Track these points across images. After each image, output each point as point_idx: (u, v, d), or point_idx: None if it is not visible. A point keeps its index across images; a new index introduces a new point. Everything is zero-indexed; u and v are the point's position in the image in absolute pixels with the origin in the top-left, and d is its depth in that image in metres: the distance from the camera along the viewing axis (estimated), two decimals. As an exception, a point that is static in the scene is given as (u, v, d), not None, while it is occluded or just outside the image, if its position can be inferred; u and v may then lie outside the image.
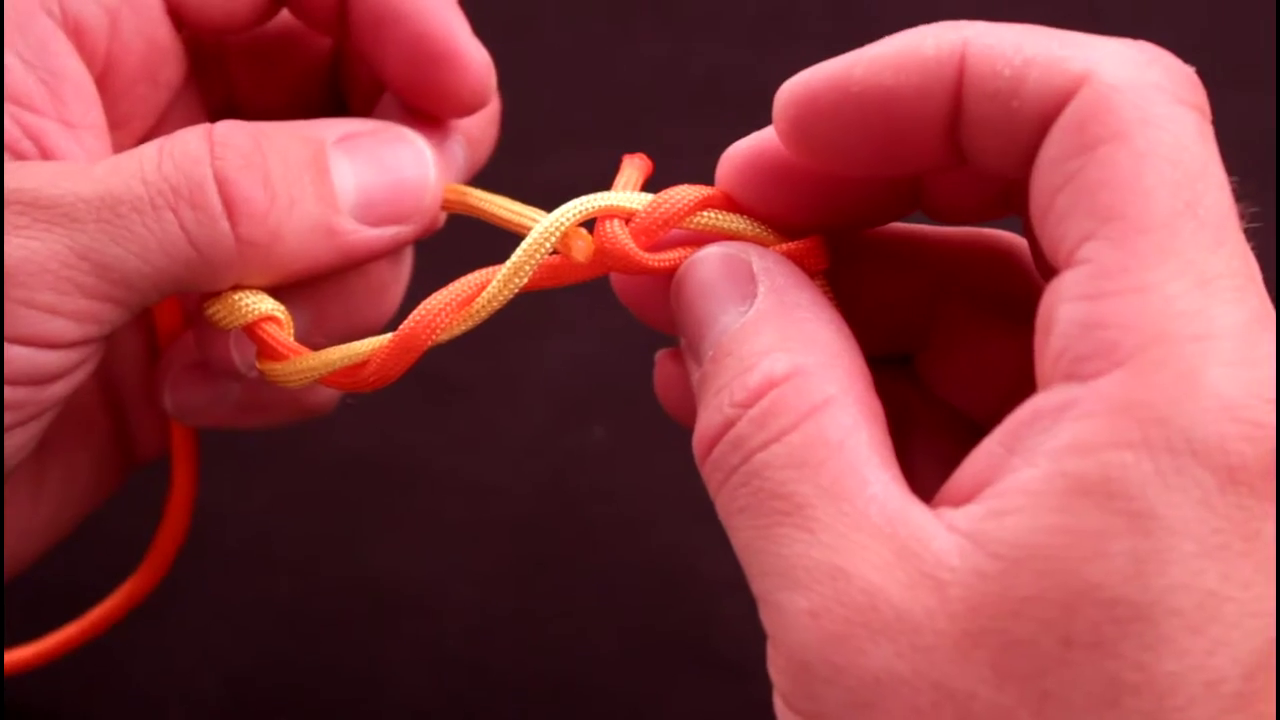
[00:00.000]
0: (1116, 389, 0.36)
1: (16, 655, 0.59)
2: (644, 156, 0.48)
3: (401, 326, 0.45)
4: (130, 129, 0.51)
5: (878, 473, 0.38)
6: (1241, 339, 0.36)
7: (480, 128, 0.52)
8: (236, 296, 0.46)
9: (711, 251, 0.44)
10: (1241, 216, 0.38)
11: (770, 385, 0.40)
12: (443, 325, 0.45)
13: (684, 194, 0.45)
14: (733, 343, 0.41)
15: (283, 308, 0.47)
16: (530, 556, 0.69)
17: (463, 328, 0.45)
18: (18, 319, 0.43)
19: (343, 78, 0.55)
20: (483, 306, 0.45)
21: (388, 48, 0.50)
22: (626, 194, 0.46)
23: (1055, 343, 0.37)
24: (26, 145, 0.46)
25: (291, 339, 0.47)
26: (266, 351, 0.47)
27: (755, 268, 0.43)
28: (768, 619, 0.39)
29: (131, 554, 0.57)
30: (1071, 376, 0.36)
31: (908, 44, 0.40)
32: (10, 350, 0.43)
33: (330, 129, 0.48)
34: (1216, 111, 0.39)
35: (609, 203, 0.45)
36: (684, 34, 0.85)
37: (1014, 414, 0.37)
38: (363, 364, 0.46)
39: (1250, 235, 0.38)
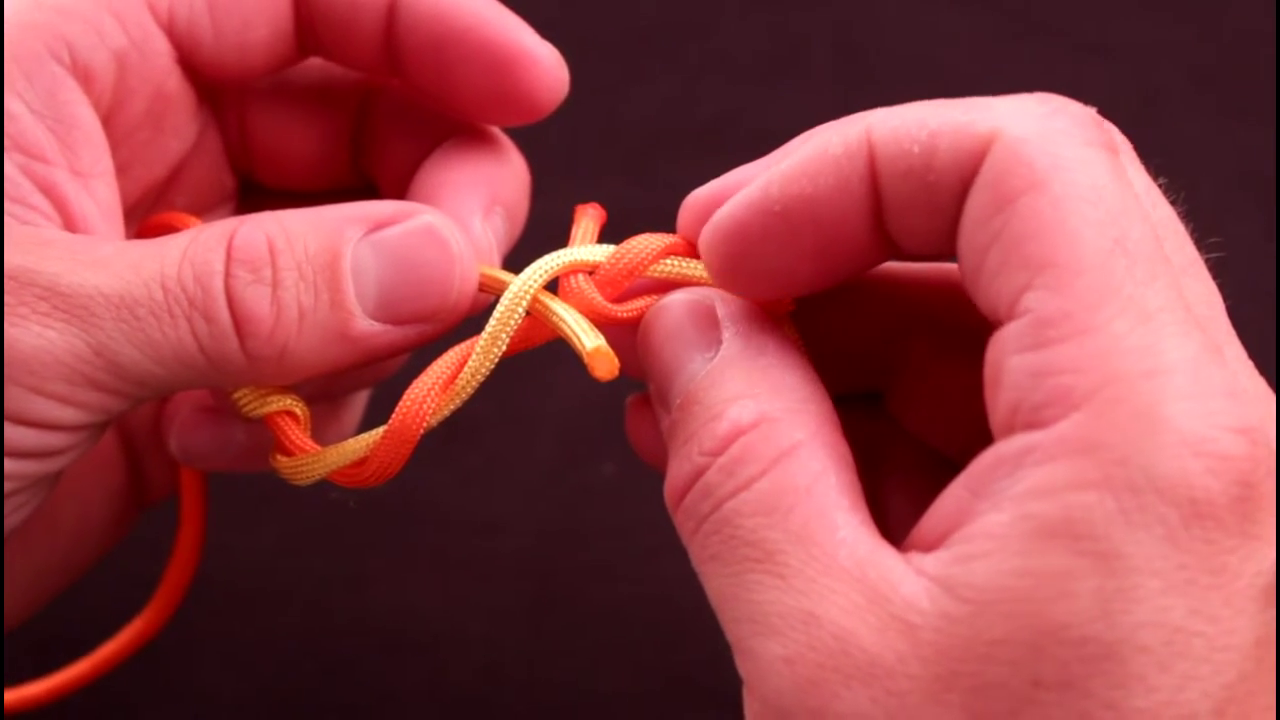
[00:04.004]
0: (1075, 431, 0.36)
1: (25, 692, 0.59)
2: (597, 206, 0.48)
3: (391, 420, 0.45)
4: (132, 174, 0.51)
5: (846, 516, 0.39)
6: (1194, 371, 0.36)
7: (516, 198, 0.51)
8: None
9: (676, 298, 0.44)
10: (1202, 249, 0.39)
11: (738, 433, 0.40)
12: (430, 410, 0.45)
13: (646, 243, 0.45)
14: (699, 390, 0.41)
15: (300, 402, 0.47)
16: (539, 593, 0.69)
17: (451, 407, 0.45)
18: (27, 404, 0.43)
19: (369, 124, 0.54)
20: (467, 383, 0.45)
21: (454, 68, 0.49)
22: (588, 247, 0.46)
23: (1007, 395, 0.37)
24: (39, 199, 0.46)
25: (304, 435, 0.47)
26: (279, 445, 0.47)
27: (720, 313, 0.43)
28: (743, 666, 0.39)
29: (140, 591, 0.57)
30: (1031, 426, 0.36)
31: (815, 148, 0.40)
32: (17, 429, 0.44)
33: (355, 220, 0.46)
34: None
35: (572, 259, 0.45)
36: (692, 72, 0.86)
37: (977, 460, 0.37)
38: (362, 462, 0.46)
39: (1213, 265, 0.38)
